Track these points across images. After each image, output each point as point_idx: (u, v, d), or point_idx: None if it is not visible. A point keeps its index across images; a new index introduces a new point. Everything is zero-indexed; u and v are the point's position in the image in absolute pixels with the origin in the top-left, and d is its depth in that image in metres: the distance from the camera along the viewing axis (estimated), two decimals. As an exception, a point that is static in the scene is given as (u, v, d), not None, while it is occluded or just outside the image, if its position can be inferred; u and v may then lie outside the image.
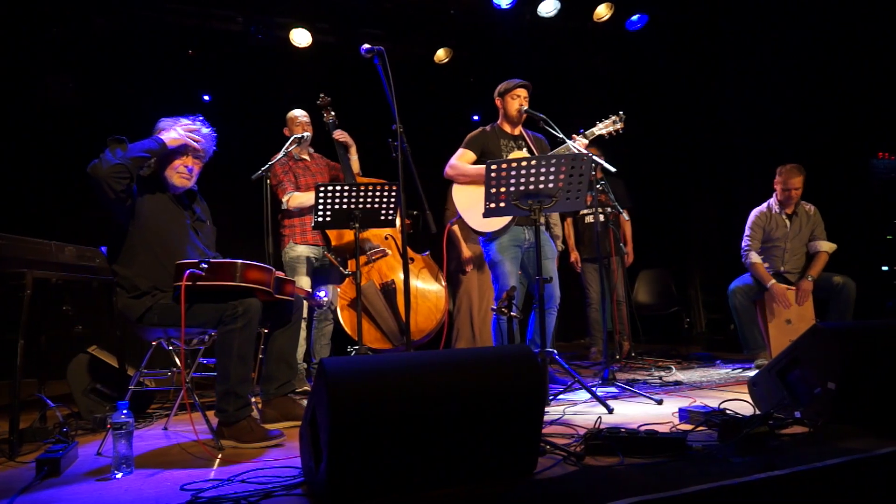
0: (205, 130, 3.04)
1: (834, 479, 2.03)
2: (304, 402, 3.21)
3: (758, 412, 2.73)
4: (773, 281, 4.63)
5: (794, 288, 4.65)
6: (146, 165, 2.96)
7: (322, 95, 4.57)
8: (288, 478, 2.16)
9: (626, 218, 5.49)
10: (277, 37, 5.82)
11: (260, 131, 5.28)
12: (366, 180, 4.40)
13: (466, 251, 5.00)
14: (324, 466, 1.81)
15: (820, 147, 5.91)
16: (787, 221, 4.82)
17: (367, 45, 3.32)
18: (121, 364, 3.56)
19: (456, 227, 4.99)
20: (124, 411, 2.31)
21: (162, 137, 2.91)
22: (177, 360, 2.97)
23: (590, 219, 5.54)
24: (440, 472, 1.88)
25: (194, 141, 2.97)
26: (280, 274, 2.99)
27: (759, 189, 5.03)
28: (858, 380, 2.48)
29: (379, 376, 1.82)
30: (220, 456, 2.59)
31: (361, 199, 3.66)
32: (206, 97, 6.05)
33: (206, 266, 2.67)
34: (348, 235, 4.27)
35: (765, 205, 4.91)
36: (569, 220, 5.71)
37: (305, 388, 4.02)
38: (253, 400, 3.20)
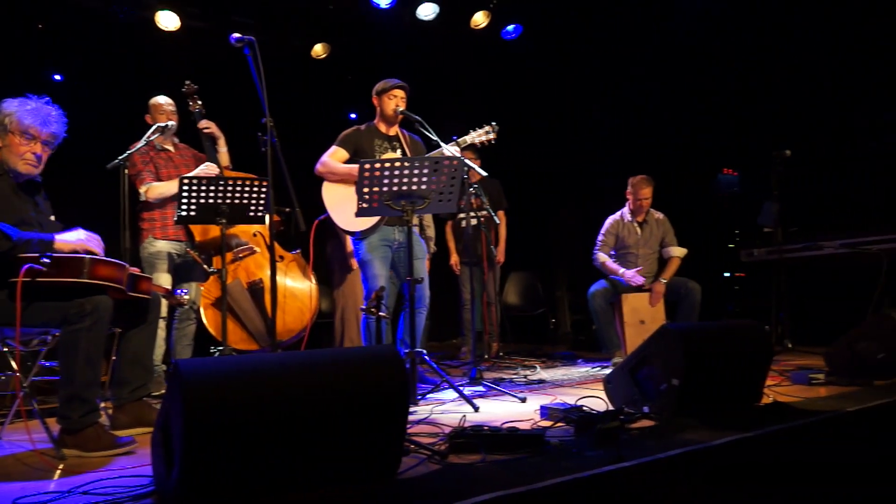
0: (53, 113, 2.81)
1: (675, 469, 2.20)
2: (160, 406, 3.04)
3: (611, 408, 2.91)
4: (624, 270, 4.96)
5: (648, 290, 4.99)
6: None
7: (188, 83, 4.35)
8: (137, 487, 2.04)
9: (498, 220, 5.62)
10: (142, 17, 5.48)
11: (119, 117, 4.94)
12: (235, 174, 4.27)
13: (351, 248, 4.95)
14: (176, 473, 1.73)
15: (673, 160, 6.38)
16: (639, 229, 5.17)
17: (237, 35, 3.21)
18: (-53, 367, 3.21)
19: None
20: (-54, 420, 2.09)
21: (55, 245, 2.62)
22: (12, 363, 2.72)
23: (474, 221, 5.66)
24: (300, 474, 1.85)
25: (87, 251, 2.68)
26: (135, 270, 2.82)
27: (620, 197, 5.35)
28: (698, 376, 2.70)
29: (237, 377, 1.76)
30: (61, 466, 2.40)
31: (229, 194, 3.56)
32: (58, 77, 5.59)
33: (47, 260, 2.46)
34: (214, 231, 4.10)
35: (619, 213, 5.26)
36: (449, 222, 5.79)
37: (164, 391, 3.81)
38: (103, 405, 3.00)
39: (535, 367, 4.84)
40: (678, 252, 5.13)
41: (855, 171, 5.94)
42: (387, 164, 3.23)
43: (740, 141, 6.38)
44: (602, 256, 5.13)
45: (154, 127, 3.94)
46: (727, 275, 6.37)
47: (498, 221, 5.13)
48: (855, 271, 5.23)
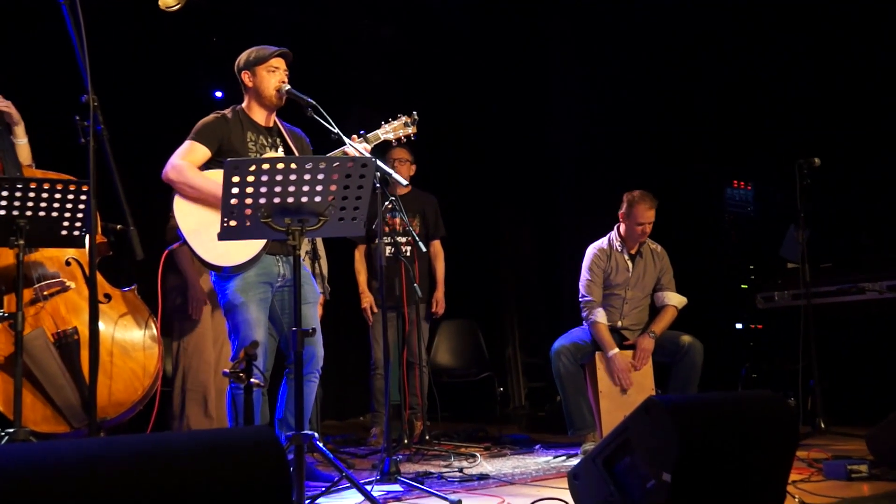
0: None
1: None
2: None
3: (579, 514, 2.94)
4: (617, 350, 5.00)
5: (632, 347, 5.08)
6: None
7: (-27, 40, 4.26)
8: None
9: (425, 250, 5.64)
10: None
11: None
12: (40, 174, 4.17)
13: (198, 284, 4.88)
14: None
15: (663, 169, 6.55)
16: (630, 263, 5.27)
17: (47, -27, 3.17)
18: None
19: (182, 251, 4.86)
20: None
21: None
22: None
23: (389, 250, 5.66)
24: None
25: None
26: None
27: (587, 218, 5.45)
28: (697, 469, 2.75)
29: (30, 475, 1.70)
30: None
31: (30, 203, 3.50)
32: None
33: None
34: (6, 257, 3.99)
35: (604, 240, 5.34)
36: (360, 247, 5.77)
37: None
38: None
39: (474, 456, 4.86)
40: (676, 300, 5.25)
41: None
42: (265, 165, 3.20)
43: (754, 146, 6.63)
44: (600, 316, 5.11)
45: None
46: (739, 326, 6.56)
47: (424, 250, 5.13)
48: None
